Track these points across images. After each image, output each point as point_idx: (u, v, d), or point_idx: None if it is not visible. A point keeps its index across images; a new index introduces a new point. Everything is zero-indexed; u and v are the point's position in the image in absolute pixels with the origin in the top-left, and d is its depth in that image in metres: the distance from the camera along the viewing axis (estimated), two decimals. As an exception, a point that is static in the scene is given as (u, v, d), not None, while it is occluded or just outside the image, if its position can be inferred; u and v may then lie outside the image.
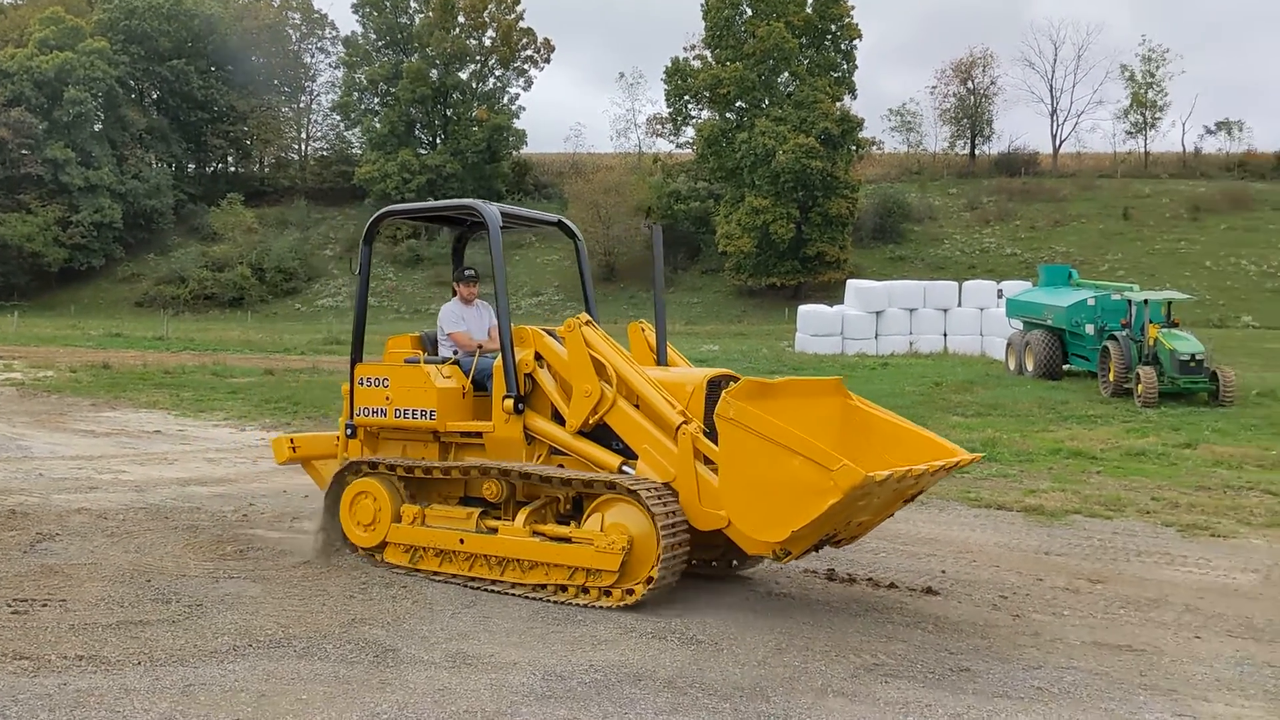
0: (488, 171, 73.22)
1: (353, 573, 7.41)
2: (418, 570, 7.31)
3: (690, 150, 68.23)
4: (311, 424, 16.22)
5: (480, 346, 7.93)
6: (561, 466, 7.06)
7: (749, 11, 61.75)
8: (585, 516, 6.78)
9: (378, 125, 73.47)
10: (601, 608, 6.53)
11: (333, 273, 70.27)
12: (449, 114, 75.17)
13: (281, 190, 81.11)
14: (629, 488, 6.51)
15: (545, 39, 78.03)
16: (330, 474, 8.05)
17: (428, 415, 7.47)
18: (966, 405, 19.17)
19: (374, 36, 76.75)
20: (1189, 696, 5.38)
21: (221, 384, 22.04)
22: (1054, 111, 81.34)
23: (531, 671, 5.49)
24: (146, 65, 74.79)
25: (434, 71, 73.67)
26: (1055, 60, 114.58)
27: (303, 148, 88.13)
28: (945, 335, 34.59)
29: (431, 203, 9.18)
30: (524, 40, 77.10)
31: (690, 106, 66.56)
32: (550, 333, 7.47)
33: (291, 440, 8.57)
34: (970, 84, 78.69)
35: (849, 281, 38.61)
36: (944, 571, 7.79)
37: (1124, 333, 20.88)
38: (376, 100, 75.97)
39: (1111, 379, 20.54)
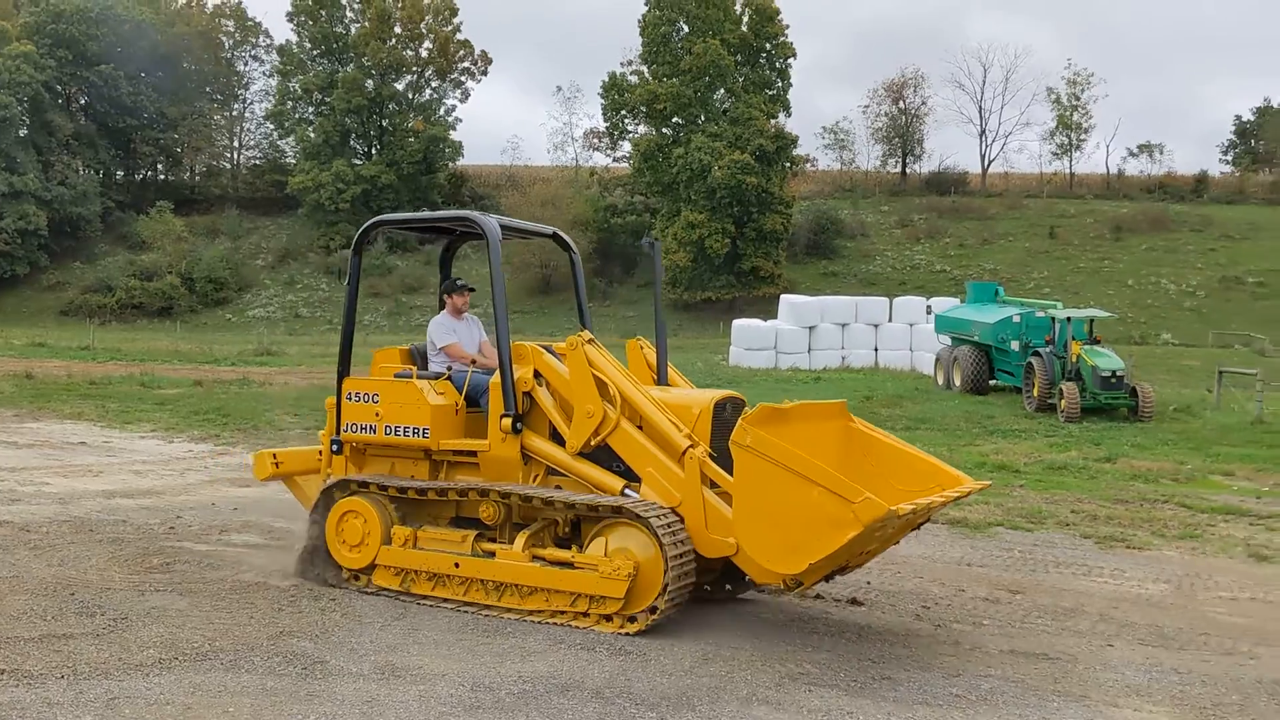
0: (423, 183, 72.88)
1: (281, 586, 7.38)
2: (408, 595, 7.04)
3: (627, 164, 68.64)
4: (242, 436, 16.06)
5: (474, 361, 7.72)
6: (559, 488, 6.89)
7: (686, 28, 62.41)
8: (588, 541, 6.59)
9: (312, 135, 72.75)
10: (598, 631, 6.38)
11: (264, 283, 69.36)
12: (385, 124, 74.72)
13: (212, 199, 79.96)
14: (637, 513, 6.32)
15: (483, 51, 78.10)
16: (314, 491, 7.81)
17: (420, 433, 7.20)
18: (896, 419, 19.49)
19: (309, 45, 75.98)
20: (1100, 702, 5.56)
21: (149, 395, 21.69)
22: (983, 132, 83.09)
23: (460, 683, 5.52)
24: (74, 70, 73.27)
25: (370, 81, 73.18)
26: (984, 82, 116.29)
27: (235, 156, 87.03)
28: (876, 350, 35.12)
29: (426, 213, 8.71)
30: (461, 52, 76.94)
31: (627, 121, 67.08)
32: (549, 350, 7.28)
33: (274, 455, 8.25)
34: (902, 104, 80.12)
35: (782, 297, 39.05)
36: (869, 583, 7.94)
37: (1048, 349, 21.37)
38: (311, 109, 75.21)
39: (1035, 394, 21.01)
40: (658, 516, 6.29)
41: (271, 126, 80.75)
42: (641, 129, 66.13)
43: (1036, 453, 15.54)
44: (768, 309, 44.78)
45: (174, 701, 5.14)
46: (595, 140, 77.17)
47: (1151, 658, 6.38)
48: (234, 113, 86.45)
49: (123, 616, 6.53)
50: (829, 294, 42.37)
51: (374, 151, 74.36)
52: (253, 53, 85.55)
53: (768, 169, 59.47)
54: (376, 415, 7.37)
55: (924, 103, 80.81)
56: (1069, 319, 21.53)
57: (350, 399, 7.53)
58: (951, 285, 52.70)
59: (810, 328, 34.92)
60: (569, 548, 6.71)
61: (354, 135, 74.84)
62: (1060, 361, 20.96)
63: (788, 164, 62.47)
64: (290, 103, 76.19)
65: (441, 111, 77.13)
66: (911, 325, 34.78)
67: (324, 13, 74.54)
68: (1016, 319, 23.78)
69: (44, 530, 9.05)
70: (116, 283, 65.95)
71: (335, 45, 74.93)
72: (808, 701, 5.40)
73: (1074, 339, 21.04)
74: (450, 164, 76.90)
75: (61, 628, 6.28)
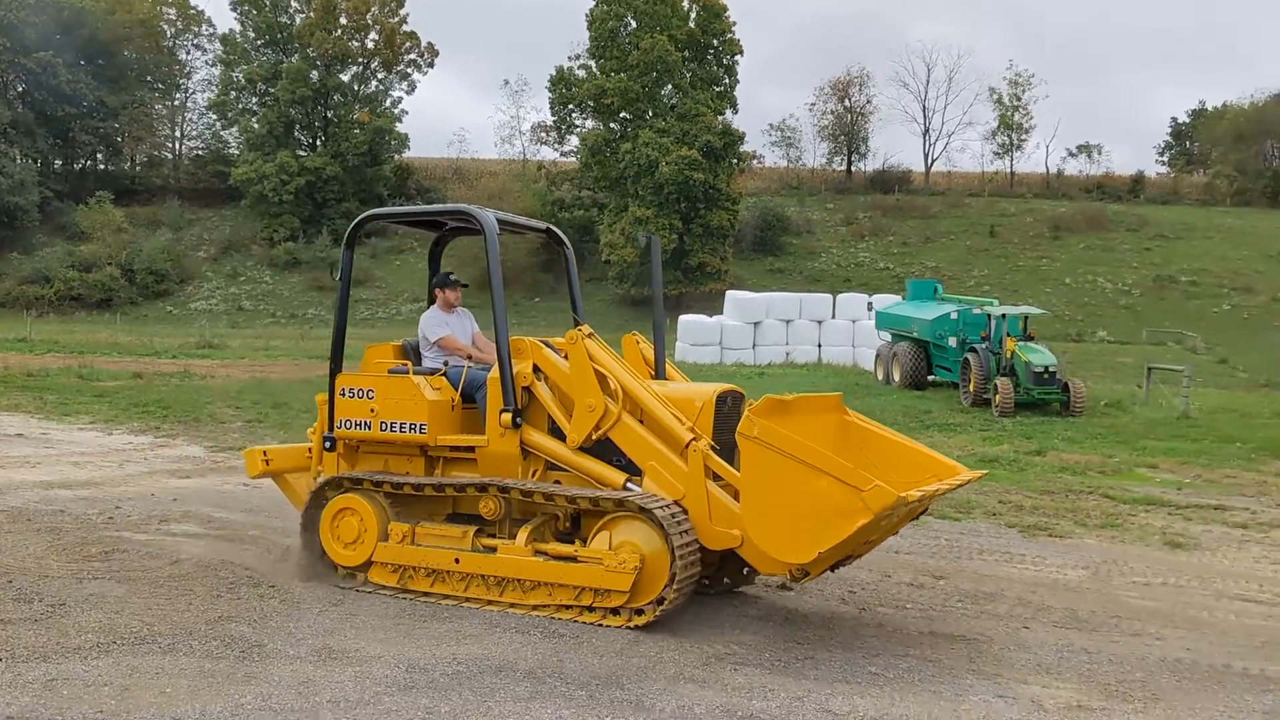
0: (369, 175, 72.38)
1: (219, 573, 7.46)
2: (407, 591, 7.00)
3: (575, 159, 68.62)
4: (182, 428, 16.01)
5: (470, 356, 7.68)
6: (558, 483, 6.88)
7: (633, 24, 62.53)
8: (592, 535, 6.59)
9: (255, 125, 71.95)
10: (605, 627, 6.39)
11: (206, 275, 68.53)
12: (330, 116, 74.07)
13: (153, 189, 78.68)
14: (642, 505, 6.34)
15: (429, 43, 77.68)
16: (304, 489, 7.76)
17: (418, 429, 7.15)
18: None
19: (253, 35, 75.16)
20: (1011, 680, 5.83)
21: (88, 387, 21.46)
22: (926, 131, 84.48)
23: (395, 664, 5.66)
24: (11, 57, 71.71)
25: (315, 72, 72.46)
26: (928, 82, 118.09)
27: (177, 146, 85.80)
28: (820, 346, 35.60)
29: (420, 206, 8.52)
30: (407, 44, 76.52)
31: (575, 115, 67.14)
32: (548, 344, 7.26)
33: (265, 453, 8.14)
34: (847, 102, 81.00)
35: (728, 293, 39.38)
36: (799, 569, 8.15)
37: (983, 345, 21.81)
38: (255, 100, 74.33)
39: (971, 389, 21.44)
40: (662, 509, 6.31)
41: (214, 117, 79.73)
42: (589, 124, 66.24)
43: (970, 446, 15.91)
44: (714, 305, 45.12)
45: (112, 683, 5.23)
46: (543, 134, 77.17)
47: (1064, 639, 6.66)
48: (176, 102, 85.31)
49: (61, 603, 6.58)
50: (775, 290, 42.79)
51: (319, 143, 73.69)
52: (195, 41, 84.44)
53: (715, 165, 59.83)
54: (372, 411, 7.30)
55: (869, 101, 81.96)
56: (1004, 316, 22.00)
57: (344, 395, 7.44)
58: (894, 283, 53.42)
59: (755, 324, 35.32)
60: (570, 542, 6.73)
61: (298, 126, 74.11)
62: (995, 358, 21.41)
63: (735, 160, 62.90)
64: (233, 93, 75.28)
65: (388, 103, 76.68)
66: (854, 322, 35.29)
67: (268, 2, 73.76)
68: (954, 316, 24.23)
69: (-20, 520, 9.03)
70: (54, 274, 64.69)
71: (280, 35, 74.17)
72: (732, 680, 5.60)
73: (1009, 336, 21.50)
74: (396, 156, 76.44)
75: (-1, 614, 6.33)
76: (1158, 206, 73.74)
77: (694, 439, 6.51)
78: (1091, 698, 5.59)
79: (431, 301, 8.19)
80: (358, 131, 72.01)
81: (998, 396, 20.18)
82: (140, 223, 71.40)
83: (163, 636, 5.99)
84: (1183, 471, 14.13)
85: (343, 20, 73.59)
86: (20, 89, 76.73)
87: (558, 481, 6.91)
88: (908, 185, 78.74)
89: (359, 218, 7.89)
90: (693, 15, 63.63)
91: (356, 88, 75.82)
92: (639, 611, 6.36)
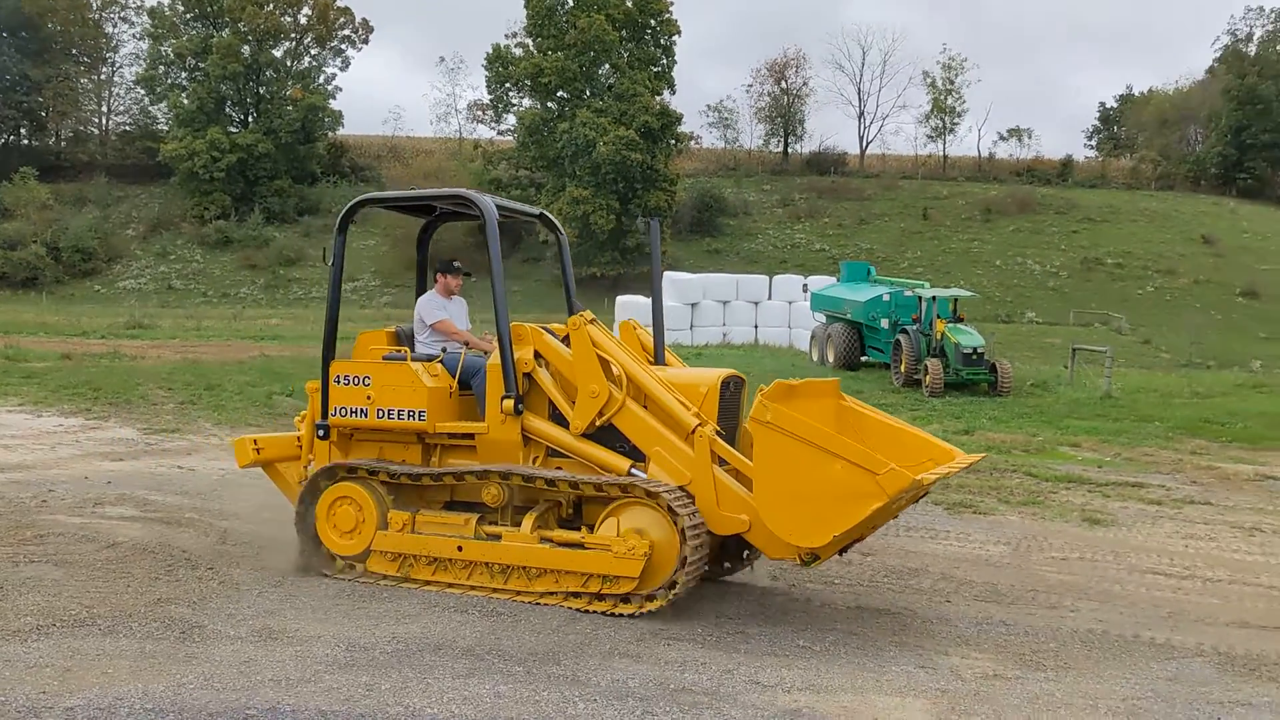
0: (302, 152, 71.48)
1: (157, 555, 7.49)
2: (408, 580, 6.91)
3: (512, 138, 68.31)
4: (114, 410, 15.84)
5: (467, 341, 7.59)
6: (560, 469, 6.83)
7: (570, 2, 62.28)
8: (599, 521, 6.55)
9: (185, 101, 70.53)
10: (619, 615, 6.36)
11: (135, 253, 67.23)
12: (261, 92, 72.92)
13: (80, 166, 76.92)
14: (649, 490, 6.34)
15: (364, 19, 76.87)
16: (294, 478, 7.69)
17: (416, 416, 7.02)
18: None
19: (182, 8, 73.57)
20: (932, 651, 6.08)
21: (15, 369, 21.07)
22: (861, 114, 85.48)
23: (335, 644, 5.77)
24: (-72, 28, 69.89)
25: (246, 47, 71.20)
26: (863, 64, 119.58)
27: (103, 122, 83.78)
28: (756, 327, 35.96)
29: (416, 190, 8.25)
30: (341, 19, 75.53)
31: (512, 94, 66.84)
32: (548, 330, 7.21)
33: (255, 441, 7.93)
34: (784, 84, 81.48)
35: (665, 274, 39.56)
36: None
37: (914, 327, 22.26)
38: (184, 75, 72.90)
39: (903, 370, 21.90)
40: (672, 494, 6.31)
41: (142, 91, 78.10)
42: (526, 102, 65.97)
43: (900, 426, 16.24)
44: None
45: (53, 665, 5.28)
46: (479, 113, 76.80)
47: (984, 612, 6.94)
48: (102, 76, 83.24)
49: (-3, 587, 6.59)
50: (712, 271, 43.09)
51: (250, 119, 72.55)
52: (122, 14, 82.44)
53: (653, 146, 59.98)
54: (368, 399, 7.15)
55: (805, 83, 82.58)
56: (934, 298, 22.46)
57: (339, 382, 7.26)
58: (829, 264, 53.98)
59: (693, 304, 35.58)
60: (574, 529, 6.71)
61: (230, 102, 72.85)
62: (926, 339, 21.87)
63: (672, 141, 63.07)
64: (162, 67, 73.77)
65: (321, 80, 75.76)
66: (790, 303, 35.69)
67: (197, -26, 72.30)
68: (886, 298, 24.69)
69: (-91, 504, 8.95)
70: (-24, 252, 63.13)
71: (210, 9, 72.64)
72: (665, 654, 5.79)
73: (939, 317, 21.96)
74: (330, 134, 75.57)
75: (-66, 598, 6.32)
76: (1086, 190, 75.28)
77: (700, 424, 6.51)
78: (1007, 667, 5.86)
79: (422, 290, 8.17)
80: (290, 108, 71.07)
81: (928, 377, 20.63)
82: (66, 200, 69.78)
83: (102, 619, 6.04)
84: (1103, 450, 14.61)
85: (275, -6, 72.38)
86: (-61, 61, 74.57)
87: (559, 468, 6.85)
88: (843, 168, 79.50)
89: (352, 201, 7.77)
90: (630, -5, 63.56)
91: (289, 63, 74.73)
92: (650, 597, 6.35)
